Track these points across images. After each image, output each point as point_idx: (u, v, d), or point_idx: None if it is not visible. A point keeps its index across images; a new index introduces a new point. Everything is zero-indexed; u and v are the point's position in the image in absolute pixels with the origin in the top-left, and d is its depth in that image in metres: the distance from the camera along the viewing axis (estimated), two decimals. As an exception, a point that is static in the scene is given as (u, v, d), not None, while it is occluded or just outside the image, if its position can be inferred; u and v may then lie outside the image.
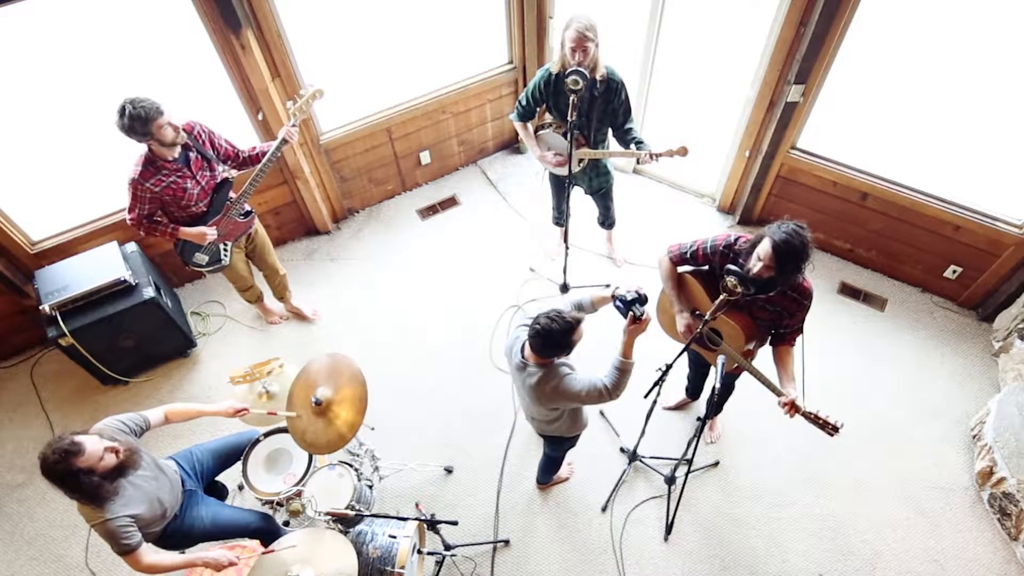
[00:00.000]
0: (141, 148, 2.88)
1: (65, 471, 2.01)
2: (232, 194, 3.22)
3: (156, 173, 2.91)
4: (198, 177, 3.03)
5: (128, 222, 3.03)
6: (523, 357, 2.28)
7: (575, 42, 2.92)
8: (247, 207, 3.31)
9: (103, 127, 2.78)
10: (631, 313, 2.15)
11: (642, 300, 2.16)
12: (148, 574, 2.25)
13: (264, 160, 3.09)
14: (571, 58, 2.97)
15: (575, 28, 2.90)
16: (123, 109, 2.67)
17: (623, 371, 2.21)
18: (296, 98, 3.00)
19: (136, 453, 2.22)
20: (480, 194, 4.86)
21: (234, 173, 3.23)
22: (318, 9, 3.65)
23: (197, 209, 3.11)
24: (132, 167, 2.90)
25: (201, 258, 3.29)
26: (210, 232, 3.13)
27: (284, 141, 3.05)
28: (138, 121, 2.67)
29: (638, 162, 3.60)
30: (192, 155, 2.99)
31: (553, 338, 2.11)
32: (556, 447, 2.88)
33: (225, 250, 3.35)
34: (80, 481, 2.03)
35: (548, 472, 3.21)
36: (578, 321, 2.14)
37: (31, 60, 3.10)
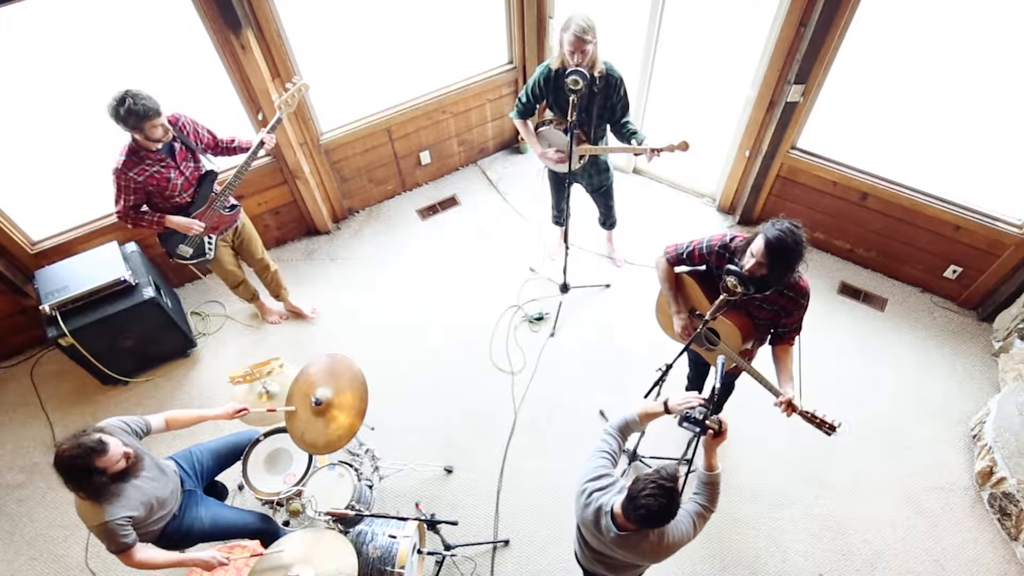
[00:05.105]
0: (126, 137, 2.89)
1: (82, 467, 2.02)
2: (216, 187, 3.24)
3: (140, 163, 2.92)
4: (182, 168, 3.05)
5: (115, 215, 3.05)
6: (617, 528, 1.98)
7: (573, 45, 2.92)
8: (233, 200, 3.34)
9: (103, 127, 2.79)
10: (710, 431, 1.98)
11: (714, 411, 1.97)
12: (141, 569, 2.28)
13: (243, 161, 3.13)
14: (570, 59, 2.97)
15: (573, 31, 2.89)
16: (123, 99, 2.67)
17: (713, 484, 2.08)
18: (282, 91, 3.07)
19: (141, 459, 2.24)
20: (480, 194, 4.86)
21: (219, 165, 3.25)
22: (318, 9, 3.65)
23: (181, 200, 3.12)
24: (116, 156, 2.91)
25: (185, 250, 3.30)
26: (196, 224, 3.14)
27: (261, 143, 3.11)
28: (133, 116, 2.70)
29: (637, 157, 3.58)
30: (177, 146, 3.01)
31: (666, 513, 1.88)
32: None
33: (210, 243, 3.36)
34: (91, 479, 2.05)
35: None
36: (675, 479, 1.89)
37: (31, 59, 3.10)
